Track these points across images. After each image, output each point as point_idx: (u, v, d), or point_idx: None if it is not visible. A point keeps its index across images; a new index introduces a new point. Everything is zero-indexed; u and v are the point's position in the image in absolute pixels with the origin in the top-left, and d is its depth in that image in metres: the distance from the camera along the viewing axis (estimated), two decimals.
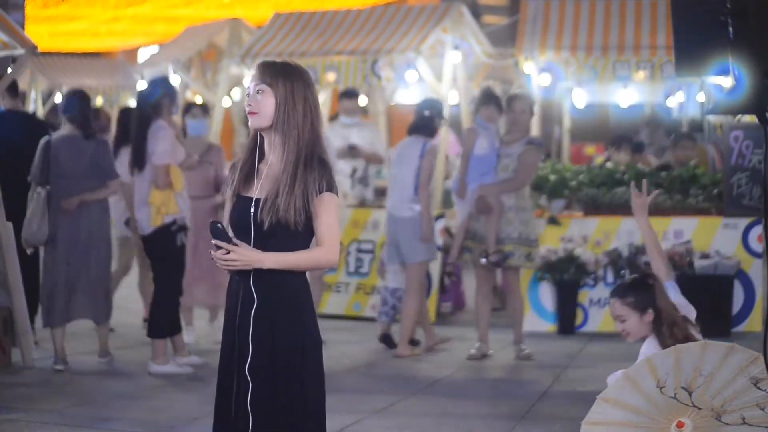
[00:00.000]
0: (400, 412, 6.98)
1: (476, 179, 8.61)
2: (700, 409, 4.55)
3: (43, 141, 8.14)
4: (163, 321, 7.97)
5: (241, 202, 3.84)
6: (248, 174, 3.86)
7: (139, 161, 7.93)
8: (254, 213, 3.78)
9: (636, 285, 5.14)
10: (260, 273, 3.76)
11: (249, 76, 11.81)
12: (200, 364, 8.17)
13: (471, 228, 8.64)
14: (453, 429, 6.54)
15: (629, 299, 5.07)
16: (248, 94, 3.85)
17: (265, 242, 3.76)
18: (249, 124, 3.85)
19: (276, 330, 3.79)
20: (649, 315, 5.00)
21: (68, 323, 8.16)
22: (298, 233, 3.77)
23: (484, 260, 8.53)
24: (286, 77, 3.81)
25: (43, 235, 8.00)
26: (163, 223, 7.84)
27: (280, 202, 3.72)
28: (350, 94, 11.09)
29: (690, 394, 4.58)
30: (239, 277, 3.81)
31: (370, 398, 7.20)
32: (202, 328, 9.34)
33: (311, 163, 3.77)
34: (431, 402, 7.30)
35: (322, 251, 3.79)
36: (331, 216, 3.79)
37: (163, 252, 7.93)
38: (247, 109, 3.83)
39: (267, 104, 3.80)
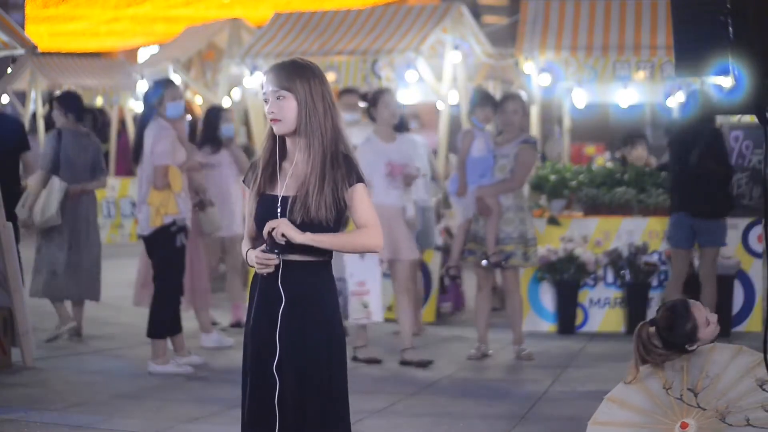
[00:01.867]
0: (400, 412, 6.97)
1: (474, 181, 8.63)
2: (705, 410, 4.55)
3: (54, 133, 9.08)
4: (163, 321, 7.97)
5: (267, 201, 3.91)
6: (272, 173, 3.92)
7: (137, 156, 8.02)
8: (281, 211, 3.84)
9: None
10: (287, 272, 3.83)
11: (247, 77, 11.94)
12: (200, 364, 8.17)
13: (472, 230, 8.64)
14: (452, 429, 6.54)
15: None
16: (266, 100, 3.87)
17: None
18: (274, 130, 3.88)
19: (302, 329, 3.85)
20: None
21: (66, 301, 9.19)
22: (329, 228, 3.84)
23: (485, 262, 8.53)
24: (303, 78, 3.84)
25: (60, 219, 8.89)
26: (162, 224, 7.85)
27: (311, 202, 3.80)
28: (350, 91, 11.07)
29: (696, 395, 4.59)
30: (268, 276, 3.85)
31: (370, 398, 7.18)
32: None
33: (337, 160, 3.84)
34: (431, 402, 7.30)
35: (369, 233, 3.89)
36: (366, 204, 3.90)
37: (163, 252, 7.93)
38: (270, 116, 3.86)
39: (289, 110, 3.84)
